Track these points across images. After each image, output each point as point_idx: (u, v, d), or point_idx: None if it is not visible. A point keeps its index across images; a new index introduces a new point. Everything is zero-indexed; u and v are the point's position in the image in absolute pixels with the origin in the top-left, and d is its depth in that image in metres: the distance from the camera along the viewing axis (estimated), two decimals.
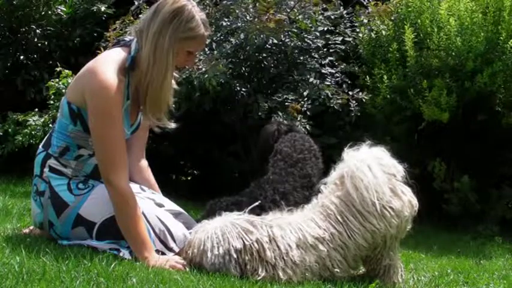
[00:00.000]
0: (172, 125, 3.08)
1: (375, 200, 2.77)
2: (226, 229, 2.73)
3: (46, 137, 3.07)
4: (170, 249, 2.91)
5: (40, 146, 3.05)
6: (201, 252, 2.74)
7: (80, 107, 2.88)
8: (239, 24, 5.19)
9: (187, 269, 2.70)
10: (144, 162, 3.26)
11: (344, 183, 2.84)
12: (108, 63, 2.85)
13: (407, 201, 2.86)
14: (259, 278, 2.66)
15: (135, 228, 2.82)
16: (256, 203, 3.19)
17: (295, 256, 2.72)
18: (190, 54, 2.95)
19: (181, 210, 3.16)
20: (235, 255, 2.68)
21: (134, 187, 3.09)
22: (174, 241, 2.93)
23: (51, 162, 2.97)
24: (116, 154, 2.83)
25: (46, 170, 2.97)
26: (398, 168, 2.88)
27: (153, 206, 3.03)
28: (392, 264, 2.90)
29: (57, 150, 2.96)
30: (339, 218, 2.80)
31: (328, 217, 2.81)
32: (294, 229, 2.77)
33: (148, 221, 2.92)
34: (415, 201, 2.89)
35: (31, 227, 3.16)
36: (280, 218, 2.85)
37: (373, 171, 2.80)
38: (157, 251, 2.87)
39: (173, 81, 3.02)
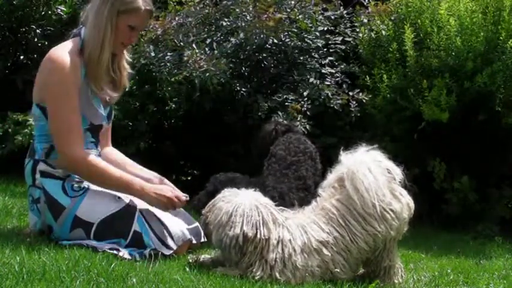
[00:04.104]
0: (114, 95, 3.16)
1: (375, 202, 2.76)
2: (249, 212, 2.71)
3: (29, 147, 3.12)
4: (168, 247, 2.92)
5: (26, 158, 3.10)
6: (217, 223, 2.74)
7: None
8: (239, 24, 5.19)
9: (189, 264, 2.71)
10: (109, 149, 3.32)
11: (344, 185, 2.84)
12: (61, 49, 3.02)
13: (405, 203, 2.86)
14: (256, 276, 2.65)
15: (111, 180, 2.94)
16: None
17: (297, 261, 2.71)
18: (133, 29, 3.06)
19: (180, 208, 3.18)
20: (241, 242, 2.67)
21: None
22: (172, 238, 2.94)
23: (41, 167, 3.00)
24: (70, 126, 2.92)
25: (37, 176, 2.99)
26: (396, 171, 2.88)
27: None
28: (392, 265, 2.90)
29: (42, 153, 3.00)
30: (341, 221, 2.80)
31: (331, 220, 2.81)
32: (301, 232, 2.77)
33: (145, 219, 2.93)
34: (412, 203, 2.90)
35: (31, 227, 3.17)
36: (294, 217, 2.85)
37: (373, 173, 2.80)
38: (154, 249, 2.88)
39: (127, 65, 3.18)
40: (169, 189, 3.02)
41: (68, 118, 2.92)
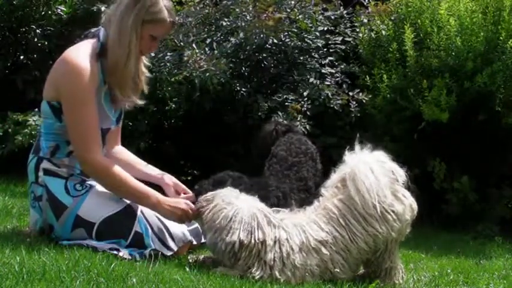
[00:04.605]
0: (141, 102, 3.17)
1: (376, 202, 2.76)
2: (245, 218, 2.71)
3: (34, 143, 3.10)
4: (168, 248, 2.92)
5: (30, 154, 3.07)
6: (215, 225, 2.73)
7: (60, 102, 2.94)
8: (239, 24, 5.19)
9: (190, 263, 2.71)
10: (118, 148, 3.32)
11: (346, 185, 2.84)
12: (78, 51, 2.95)
13: (408, 205, 2.86)
14: (256, 276, 2.66)
15: (129, 190, 2.92)
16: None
17: (296, 260, 2.71)
18: (154, 39, 3.04)
19: None
20: (237, 249, 2.67)
21: None
22: (173, 239, 2.95)
23: (44, 165, 2.99)
24: (89, 133, 2.90)
25: (41, 174, 2.98)
26: (400, 173, 2.88)
27: None
28: (393, 267, 2.90)
29: (47, 151, 2.98)
30: (341, 221, 2.80)
31: (331, 220, 2.81)
32: (299, 231, 2.77)
33: (147, 220, 2.93)
34: (415, 205, 2.89)
35: (31, 225, 3.16)
36: (291, 217, 2.85)
37: (375, 174, 2.80)
38: (155, 250, 2.88)
39: (145, 69, 3.15)
40: (183, 202, 2.99)
41: (86, 124, 2.90)
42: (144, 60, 3.15)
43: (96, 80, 2.94)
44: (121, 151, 3.32)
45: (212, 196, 2.84)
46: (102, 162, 2.93)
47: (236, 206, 2.75)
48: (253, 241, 2.68)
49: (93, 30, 3.08)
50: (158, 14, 2.97)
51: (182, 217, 2.95)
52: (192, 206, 2.95)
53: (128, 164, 3.21)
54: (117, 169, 2.94)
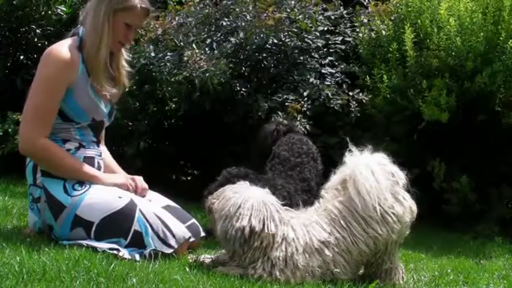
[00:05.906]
0: (114, 91, 3.20)
1: (376, 205, 2.76)
2: (257, 206, 2.71)
3: None
4: (169, 245, 2.92)
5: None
6: (224, 213, 2.72)
7: None
8: (239, 24, 5.19)
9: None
10: (102, 148, 3.33)
11: (346, 188, 2.84)
12: (58, 44, 3.07)
13: (408, 207, 2.86)
14: (257, 273, 2.65)
15: (73, 169, 2.98)
16: None
17: (298, 260, 2.71)
18: (129, 28, 3.11)
19: (172, 203, 3.19)
20: (247, 236, 2.66)
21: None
22: (174, 237, 2.94)
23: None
24: (45, 118, 2.95)
25: (38, 175, 3.00)
26: (400, 175, 2.88)
27: (149, 203, 3.05)
28: (393, 268, 2.90)
29: None
30: (342, 223, 2.80)
31: (333, 221, 2.81)
32: (303, 232, 2.77)
33: (146, 219, 2.93)
34: (415, 207, 2.90)
35: (31, 226, 3.17)
36: (297, 216, 2.85)
37: (376, 176, 2.80)
38: (154, 249, 2.88)
39: (125, 64, 3.23)
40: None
41: (45, 108, 2.95)
42: (125, 54, 3.23)
43: (76, 69, 3.00)
44: (104, 151, 3.33)
45: (221, 191, 2.84)
46: (46, 144, 2.96)
47: (245, 194, 2.74)
48: (266, 230, 2.67)
49: (73, 29, 3.18)
50: (128, 1, 3.06)
51: (126, 182, 3.10)
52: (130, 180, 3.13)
53: (107, 167, 3.23)
54: (59, 149, 2.98)
